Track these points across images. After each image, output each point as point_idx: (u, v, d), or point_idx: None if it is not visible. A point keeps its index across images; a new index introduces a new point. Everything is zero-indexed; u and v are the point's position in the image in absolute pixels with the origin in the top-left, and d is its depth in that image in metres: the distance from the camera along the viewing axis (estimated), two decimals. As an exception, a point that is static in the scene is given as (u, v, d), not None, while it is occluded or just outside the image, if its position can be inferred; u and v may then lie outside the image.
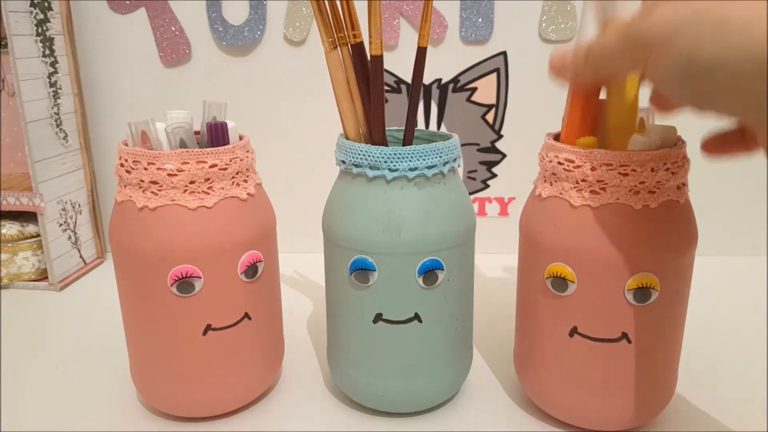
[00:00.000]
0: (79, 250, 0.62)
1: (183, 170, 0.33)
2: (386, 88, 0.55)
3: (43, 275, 0.59)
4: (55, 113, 0.58)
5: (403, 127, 0.37)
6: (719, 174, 0.65)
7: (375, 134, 0.35)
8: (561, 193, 0.34)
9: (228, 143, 0.35)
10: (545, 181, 0.35)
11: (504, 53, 0.60)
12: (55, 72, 0.57)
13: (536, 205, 0.35)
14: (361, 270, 0.34)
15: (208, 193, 0.34)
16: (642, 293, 0.32)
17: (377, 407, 0.38)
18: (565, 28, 0.58)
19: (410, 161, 0.33)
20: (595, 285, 0.33)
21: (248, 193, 0.36)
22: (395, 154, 0.33)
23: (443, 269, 0.35)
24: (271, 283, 0.38)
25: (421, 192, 0.34)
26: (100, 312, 0.53)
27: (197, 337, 0.35)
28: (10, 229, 0.57)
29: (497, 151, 0.63)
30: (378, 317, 0.35)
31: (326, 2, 0.33)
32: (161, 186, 0.33)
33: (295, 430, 0.38)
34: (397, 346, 0.36)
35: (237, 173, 0.35)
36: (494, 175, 0.64)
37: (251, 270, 0.36)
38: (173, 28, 0.59)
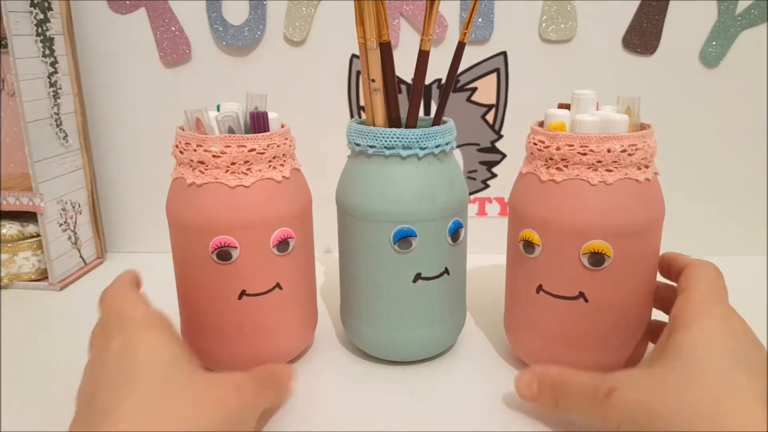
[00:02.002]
0: (79, 250, 0.64)
1: (225, 152, 0.40)
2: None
3: (43, 275, 0.64)
4: (55, 113, 0.63)
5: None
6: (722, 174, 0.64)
7: (411, 119, 0.43)
8: (535, 170, 0.42)
9: (268, 130, 0.42)
10: (526, 159, 0.44)
11: (504, 53, 0.65)
12: (55, 72, 0.61)
13: (518, 181, 0.45)
14: (405, 238, 0.42)
15: (247, 174, 0.41)
16: (595, 258, 0.39)
17: (397, 358, 0.47)
18: (565, 28, 0.60)
19: (435, 139, 0.42)
20: (557, 249, 0.41)
21: (283, 176, 0.43)
22: (425, 135, 0.42)
23: (463, 227, 0.45)
24: (303, 258, 0.45)
25: (443, 164, 0.43)
26: None
27: (234, 301, 0.42)
28: (10, 229, 0.59)
29: (497, 151, 0.64)
30: (417, 276, 0.44)
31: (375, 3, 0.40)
32: (207, 166, 0.40)
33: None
34: (432, 300, 0.45)
35: (274, 158, 0.42)
36: (494, 175, 0.66)
37: (282, 245, 0.43)
38: (173, 28, 0.61)
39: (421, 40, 0.42)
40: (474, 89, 0.65)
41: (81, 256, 0.66)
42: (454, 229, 0.44)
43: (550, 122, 0.42)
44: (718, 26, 0.61)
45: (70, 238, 0.64)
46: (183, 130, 0.42)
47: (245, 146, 0.40)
